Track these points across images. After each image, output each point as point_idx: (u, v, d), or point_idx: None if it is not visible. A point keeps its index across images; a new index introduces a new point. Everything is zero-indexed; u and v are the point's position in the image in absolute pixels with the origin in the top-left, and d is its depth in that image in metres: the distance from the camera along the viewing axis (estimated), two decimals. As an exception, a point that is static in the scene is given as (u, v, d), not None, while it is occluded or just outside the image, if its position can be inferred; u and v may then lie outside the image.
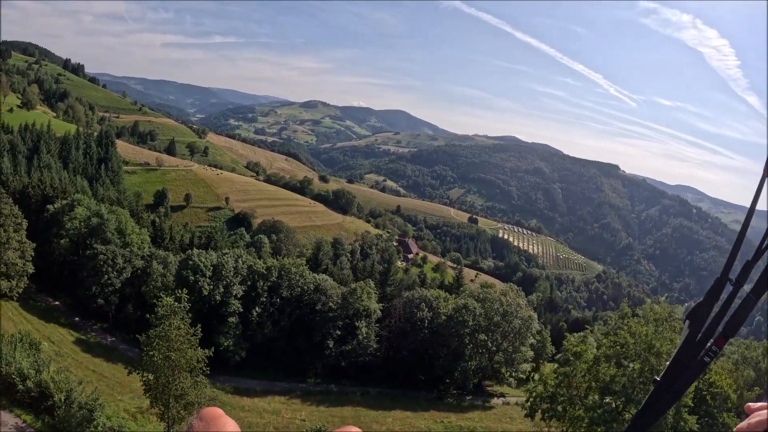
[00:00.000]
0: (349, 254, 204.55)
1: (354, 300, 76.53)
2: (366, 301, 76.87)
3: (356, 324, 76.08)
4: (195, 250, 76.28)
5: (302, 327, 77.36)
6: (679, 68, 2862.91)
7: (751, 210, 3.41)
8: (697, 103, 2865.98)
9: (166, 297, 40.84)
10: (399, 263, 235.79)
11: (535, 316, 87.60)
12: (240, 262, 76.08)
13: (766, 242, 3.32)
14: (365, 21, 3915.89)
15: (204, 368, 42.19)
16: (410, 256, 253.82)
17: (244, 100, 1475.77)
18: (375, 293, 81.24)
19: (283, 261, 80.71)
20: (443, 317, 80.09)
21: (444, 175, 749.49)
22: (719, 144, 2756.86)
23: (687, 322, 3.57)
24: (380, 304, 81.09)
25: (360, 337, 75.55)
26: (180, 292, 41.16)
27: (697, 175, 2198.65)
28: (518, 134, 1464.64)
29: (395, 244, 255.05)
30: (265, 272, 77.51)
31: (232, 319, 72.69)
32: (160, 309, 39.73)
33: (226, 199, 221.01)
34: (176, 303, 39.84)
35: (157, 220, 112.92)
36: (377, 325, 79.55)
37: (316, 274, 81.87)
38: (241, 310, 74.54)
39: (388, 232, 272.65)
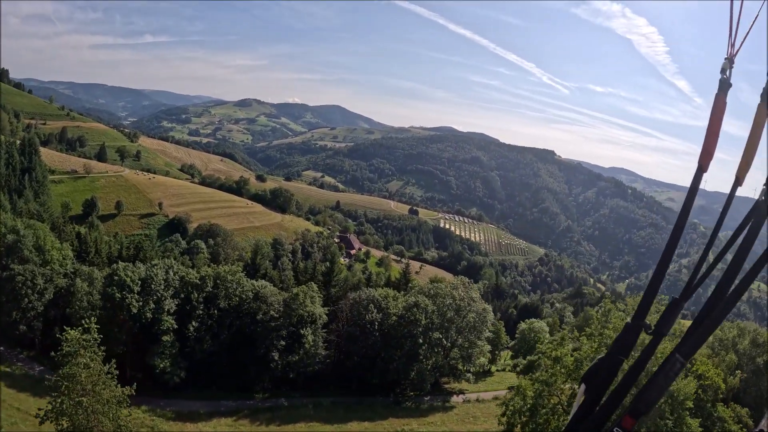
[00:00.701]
0: (290, 254, 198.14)
1: (297, 306, 71.05)
2: (310, 307, 71.54)
3: (301, 332, 70.61)
4: (121, 264, 69.12)
5: (244, 339, 71.54)
6: (610, 56, 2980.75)
7: (672, 247, 2.89)
8: (628, 89, 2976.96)
9: (71, 330, 34.22)
10: (342, 260, 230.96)
11: (490, 308, 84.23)
12: (171, 273, 69.45)
13: (698, 278, 2.78)
14: (299, 15, 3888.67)
15: (127, 407, 35.98)
16: (353, 252, 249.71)
17: (178, 101, 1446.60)
18: (319, 296, 75.97)
19: (219, 269, 74.28)
20: (394, 318, 75.67)
21: (382, 168, 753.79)
22: (650, 126, 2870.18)
23: (582, 386, 2.97)
24: (325, 308, 75.90)
25: (306, 345, 70.25)
26: (88, 321, 34.38)
27: (630, 157, 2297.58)
28: (454, 124, 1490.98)
29: (337, 240, 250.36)
30: (200, 282, 71.10)
31: (166, 338, 66.34)
32: (64, 345, 33.40)
33: (160, 204, 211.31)
34: (83, 336, 33.30)
35: (82, 231, 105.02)
36: (324, 330, 74.42)
37: (254, 281, 75.81)
38: (176, 326, 68.06)
39: (329, 229, 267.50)
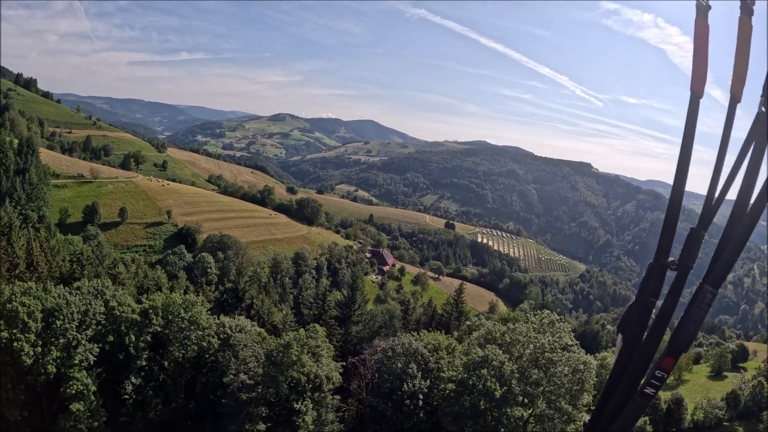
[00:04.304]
0: (313, 271, 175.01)
1: (287, 365, 43.31)
2: (310, 366, 43.98)
3: (295, 406, 43.38)
4: (19, 286, 44.44)
5: (210, 406, 46.14)
6: (643, 66, 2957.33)
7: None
8: (662, 99, 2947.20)
9: None
10: (374, 277, 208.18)
11: (593, 361, 52.67)
12: (95, 304, 44.48)
13: (713, 203, 2.79)
14: (331, 32, 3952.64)
15: None
16: (386, 268, 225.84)
17: (212, 116, 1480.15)
18: (327, 347, 48.51)
19: (170, 298, 48.49)
20: (450, 386, 46.61)
21: (416, 182, 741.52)
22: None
23: (619, 335, 2.95)
24: (340, 363, 49.00)
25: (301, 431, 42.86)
26: None
27: (665, 170, 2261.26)
28: (488, 138, 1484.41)
29: (368, 255, 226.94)
30: (140, 319, 45.90)
31: (77, 406, 41.00)
32: None
33: (168, 212, 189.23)
34: None
35: (41, 236, 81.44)
36: (336, 396, 47.70)
37: (228, 318, 49.66)
38: (94, 387, 42.76)
39: (360, 243, 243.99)
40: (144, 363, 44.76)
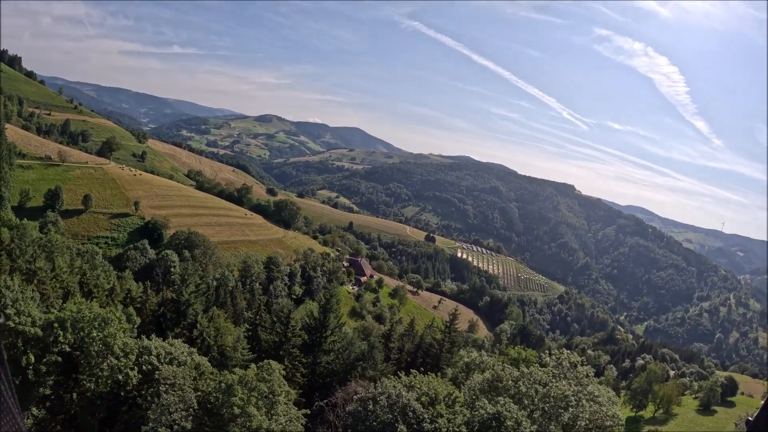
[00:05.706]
0: (286, 277, 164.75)
1: (226, 417, 32.10)
2: (260, 420, 32.24)
3: None
4: None
5: None
6: (630, 93, 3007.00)
7: None
8: (647, 127, 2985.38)
9: None
10: (350, 287, 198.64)
11: (620, 415, 42.44)
12: None
13: None
14: (326, 37, 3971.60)
15: None
16: (363, 279, 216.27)
17: (199, 112, 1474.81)
18: (287, 392, 36.36)
19: (82, 311, 36.44)
20: None
21: (398, 192, 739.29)
22: (667, 166, 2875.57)
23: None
24: (303, 410, 37.25)
25: None
26: None
27: (646, 196, 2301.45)
28: (472, 154, 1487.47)
29: (346, 264, 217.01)
30: (42, 335, 34.69)
31: None
32: None
33: (136, 203, 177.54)
34: None
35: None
36: None
37: (159, 341, 38.34)
38: None
39: (338, 250, 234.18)
40: (49, 391, 34.44)
